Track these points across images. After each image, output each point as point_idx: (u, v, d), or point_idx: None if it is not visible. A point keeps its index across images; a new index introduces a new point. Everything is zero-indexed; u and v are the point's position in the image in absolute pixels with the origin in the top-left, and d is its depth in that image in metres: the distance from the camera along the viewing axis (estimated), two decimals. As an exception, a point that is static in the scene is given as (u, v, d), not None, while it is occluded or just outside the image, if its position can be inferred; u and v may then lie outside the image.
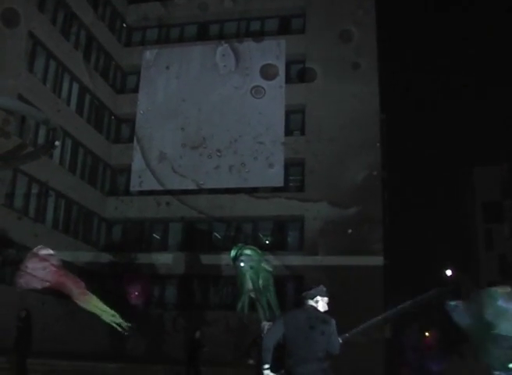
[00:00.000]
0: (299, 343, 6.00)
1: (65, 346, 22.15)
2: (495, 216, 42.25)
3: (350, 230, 26.32)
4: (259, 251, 14.18)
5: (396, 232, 31.40)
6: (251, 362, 11.13)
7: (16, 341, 14.22)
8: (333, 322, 6.20)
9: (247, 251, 13.89)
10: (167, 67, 32.39)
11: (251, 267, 13.60)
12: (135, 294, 25.58)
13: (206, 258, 28.29)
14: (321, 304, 6.40)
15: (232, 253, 13.92)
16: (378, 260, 26.41)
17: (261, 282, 13.59)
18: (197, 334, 17.33)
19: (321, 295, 6.43)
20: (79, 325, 25.14)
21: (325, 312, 6.41)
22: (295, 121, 30.97)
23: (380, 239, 27.44)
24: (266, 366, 6.09)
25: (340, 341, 6.36)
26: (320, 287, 6.49)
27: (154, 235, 31.14)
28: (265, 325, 11.18)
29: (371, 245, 26.38)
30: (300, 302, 6.50)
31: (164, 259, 28.60)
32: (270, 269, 14.03)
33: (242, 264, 13.64)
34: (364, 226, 26.83)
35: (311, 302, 6.36)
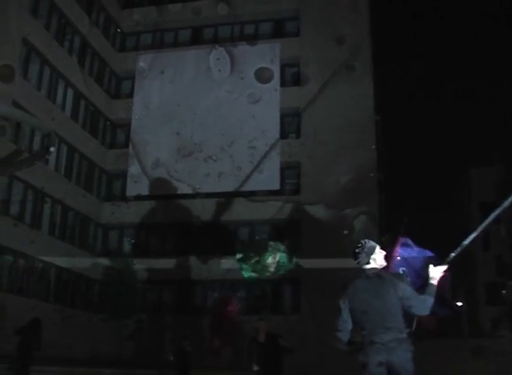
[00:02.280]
0: (366, 316, 5.39)
1: (60, 352, 22.05)
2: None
3: (345, 232, 26.25)
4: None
5: (392, 234, 31.31)
6: (256, 368, 11.04)
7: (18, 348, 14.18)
8: (401, 279, 5.56)
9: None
10: (161, 72, 32.37)
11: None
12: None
13: (204, 263, 28.27)
14: (378, 261, 5.67)
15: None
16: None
17: None
18: (183, 343, 16.77)
19: (371, 252, 5.67)
20: (74, 330, 25.20)
21: (384, 267, 5.72)
22: (290, 124, 30.98)
23: (377, 241, 27.40)
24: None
25: (428, 296, 5.41)
26: (366, 244, 5.71)
27: (151, 240, 31.08)
28: (264, 323, 11.19)
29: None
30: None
31: (161, 264, 28.51)
32: None
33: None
34: (360, 228, 26.82)
35: (368, 266, 5.61)
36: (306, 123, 30.16)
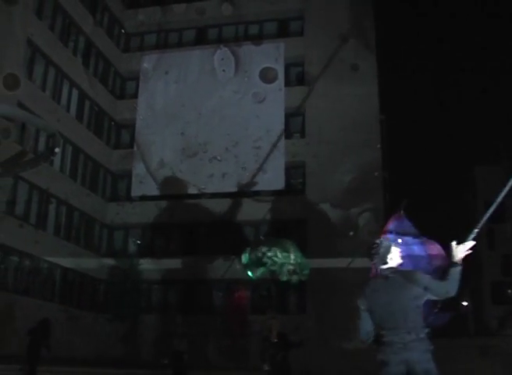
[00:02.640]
0: (385, 317, 5.28)
1: (66, 352, 22.09)
2: (497, 215, 42.20)
3: (351, 233, 26.25)
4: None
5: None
6: (267, 368, 11.03)
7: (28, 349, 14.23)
8: (417, 276, 5.30)
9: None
10: (166, 72, 32.37)
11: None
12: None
13: (209, 263, 28.26)
14: (394, 260, 5.50)
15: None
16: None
17: None
18: (177, 343, 16.63)
19: (388, 252, 5.49)
20: (80, 331, 25.24)
21: (400, 264, 5.50)
22: (295, 124, 30.97)
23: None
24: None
25: (453, 279, 5.22)
26: (382, 243, 5.53)
27: (156, 240, 31.09)
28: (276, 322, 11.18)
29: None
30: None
31: (166, 265, 28.52)
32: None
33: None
34: (365, 227, 26.77)
35: (385, 266, 5.44)
36: (310, 123, 30.15)
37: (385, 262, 5.49)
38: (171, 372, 15.25)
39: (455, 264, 5.27)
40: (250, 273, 14.08)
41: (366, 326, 5.43)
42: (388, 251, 5.51)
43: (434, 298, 5.33)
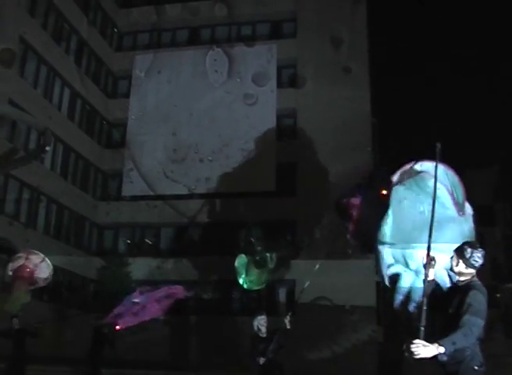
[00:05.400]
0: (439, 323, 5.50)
1: (57, 351, 22.06)
2: (487, 219, 42.36)
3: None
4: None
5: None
6: (261, 362, 11.02)
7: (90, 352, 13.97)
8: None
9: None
10: (158, 72, 32.35)
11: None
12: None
13: (198, 263, 28.25)
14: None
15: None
16: (371, 263, 26.36)
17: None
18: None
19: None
20: (69, 330, 25.17)
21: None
22: (286, 125, 30.99)
23: (373, 242, 27.48)
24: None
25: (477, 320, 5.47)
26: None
27: (146, 240, 31.06)
28: (261, 320, 11.19)
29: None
30: None
31: (156, 264, 28.48)
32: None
33: None
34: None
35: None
36: (302, 125, 30.15)
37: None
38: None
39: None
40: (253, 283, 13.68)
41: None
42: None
43: None
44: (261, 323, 11.14)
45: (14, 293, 11.59)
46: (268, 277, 14.00)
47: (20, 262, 11.47)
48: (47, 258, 12.13)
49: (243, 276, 13.70)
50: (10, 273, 11.54)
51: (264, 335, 11.01)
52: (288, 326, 10.98)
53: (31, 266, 11.81)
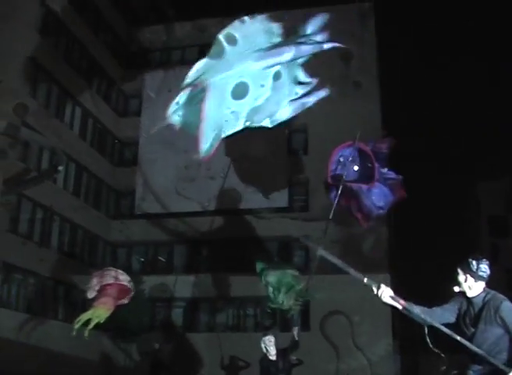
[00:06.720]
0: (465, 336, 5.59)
1: (71, 369, 22.04)
2: (501, 230, 42.08)
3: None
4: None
5: (402, 248, 31.21)
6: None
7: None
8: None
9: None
10: (169, 90, 32.39)
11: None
12: None
13: (212, 280, 28.17)
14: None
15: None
16: (384, 278, 26.25)
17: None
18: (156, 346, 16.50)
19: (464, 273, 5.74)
20: (84, 348, 25.13)
21: (461, 292, 5.80)
22: (298, 141, 30.97)
23: (385, 256, 27.37)
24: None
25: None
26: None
27: (159, 258, 31.06)
28: (268, 341, 11.04)
29: (376, 263, 26.23)
30: None
31: (169, 282, 28.43)
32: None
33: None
34: (368, 244, 26.71)
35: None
36: (313, 140, 30.12)
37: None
38: None
39: None
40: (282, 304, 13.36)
41: (443, 311, 5.87)
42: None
43: None
44: (268, 343, 10.90)
45: (100, 307, 11.63)
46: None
47: (110, 280, 11.43)
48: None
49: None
50: (97, 288, 11.54)
51: (274, 357, 10.74)
52: (296, 338, 10.85)
53: (128, 284, 11.84)
